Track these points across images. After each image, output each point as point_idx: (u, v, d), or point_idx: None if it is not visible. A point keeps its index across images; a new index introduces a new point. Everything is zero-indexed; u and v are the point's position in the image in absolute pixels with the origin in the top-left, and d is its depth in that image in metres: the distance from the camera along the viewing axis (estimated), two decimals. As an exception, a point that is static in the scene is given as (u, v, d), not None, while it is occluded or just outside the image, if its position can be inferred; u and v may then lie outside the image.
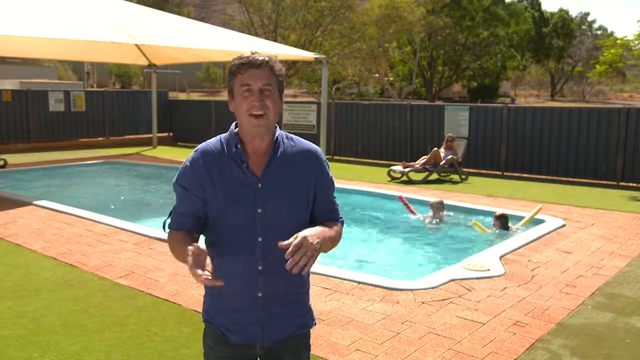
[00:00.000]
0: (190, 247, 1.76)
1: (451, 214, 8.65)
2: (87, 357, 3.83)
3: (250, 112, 1.90)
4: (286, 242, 1.75)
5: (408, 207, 8.73)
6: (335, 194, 2.16)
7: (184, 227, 2.01)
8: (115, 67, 50.34)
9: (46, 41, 12.29)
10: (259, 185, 1.96)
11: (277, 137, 2.01)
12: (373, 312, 4.58)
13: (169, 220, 2.06)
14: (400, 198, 8.89)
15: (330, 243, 1.97)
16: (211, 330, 2.09)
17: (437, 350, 3.94)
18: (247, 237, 1.94)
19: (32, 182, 11.62)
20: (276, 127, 2.01)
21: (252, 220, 1.94)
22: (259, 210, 1.94)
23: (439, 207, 8.41)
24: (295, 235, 1.77)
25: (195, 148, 2.04)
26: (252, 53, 1.93)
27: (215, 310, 2.07)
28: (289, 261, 1.73)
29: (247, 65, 1.90)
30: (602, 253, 6.46)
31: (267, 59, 1.92)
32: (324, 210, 2.07)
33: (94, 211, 8.02)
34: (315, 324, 2.17)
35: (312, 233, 1.82)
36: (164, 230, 2.07)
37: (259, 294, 1.98)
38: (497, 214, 7.86)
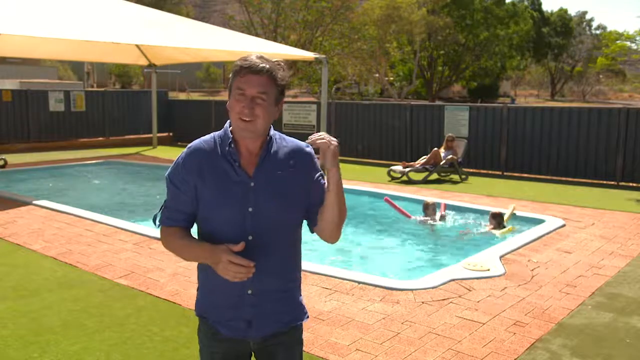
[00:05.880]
0: (226, 245, 1.91)
1: (451, 213, 8.65)
2: (87, 357, 3.83)
3: (240, 116, 1.92)
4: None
5: (399, 210, 8.68)
6: None
7: (178, 223, 2.03)
8: (115, 67, 50.30)
9: (46, 41, 12.29)
10: (252, 184, 1.97)
11: (270, 136, 2.02)
12: (373, 312, 4.58)
13: (159, 215, 2.07)
14: (387, 200, 8.87)
15: (343, 196, 2.02)
16: (204, 326, 2.12)
17: (437, 350, 3.94)
18: (237, 236, 1.94)
19: (32, 182, 11.62)
20: (270, 127, 2.01)
21: (242, 219, 1.96)
22: (250, 209, 1.96)
23: (429, 211, 8.40)
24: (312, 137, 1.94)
25: (189, 145, 2.05)
26: (258, 57, 1.92)
27: (207, 304, 2.09)
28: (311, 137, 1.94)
29: (246, 69, 1.90)
30: (602, 253, 6.46)
31: (267, 66, 1.90)
32: (320, 200, 2.03)
33: (94, 211, 8.02)
34: (308, 317, 2.17)
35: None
36: (154, 224, 2.08)
37: (249, 291, 2.00)
38: (492, 212, 7.88)
